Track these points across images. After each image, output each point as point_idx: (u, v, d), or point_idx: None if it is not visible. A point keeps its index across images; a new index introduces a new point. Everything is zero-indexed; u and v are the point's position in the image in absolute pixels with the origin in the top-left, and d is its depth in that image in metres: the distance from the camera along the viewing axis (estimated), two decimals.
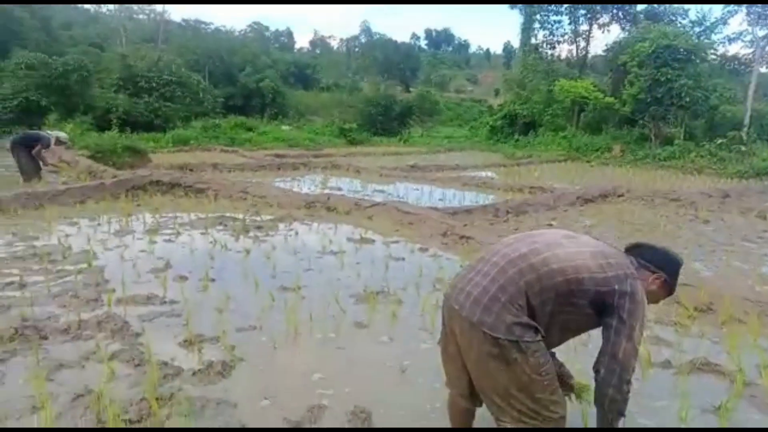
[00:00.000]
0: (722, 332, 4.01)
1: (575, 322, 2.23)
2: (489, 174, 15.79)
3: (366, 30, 79.33)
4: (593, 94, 22.59)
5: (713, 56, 23.43)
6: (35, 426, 2.75)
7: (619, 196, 11.13)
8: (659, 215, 9.41)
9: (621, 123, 23.07)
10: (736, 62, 24.91)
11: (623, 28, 26.24)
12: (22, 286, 4.74)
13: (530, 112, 26.04)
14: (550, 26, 27.57)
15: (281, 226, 7.42)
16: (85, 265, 5.32)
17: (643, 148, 20.52)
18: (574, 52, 28.16)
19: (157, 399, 2.94)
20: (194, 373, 3.30)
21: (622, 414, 2.13)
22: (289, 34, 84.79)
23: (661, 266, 2.31)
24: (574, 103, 23.58)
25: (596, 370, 2.15)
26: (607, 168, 18.55)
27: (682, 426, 2.87)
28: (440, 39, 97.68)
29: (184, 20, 55.80)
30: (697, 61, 20.50)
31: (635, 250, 2.38)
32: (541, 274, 2.13)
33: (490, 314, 2.10)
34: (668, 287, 2.35)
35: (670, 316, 4.29)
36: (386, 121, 29.97)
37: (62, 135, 11.76)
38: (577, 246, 2.25)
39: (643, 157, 19.56)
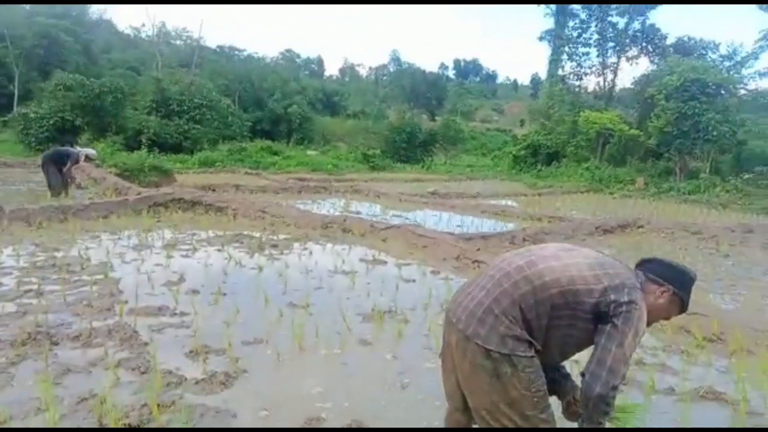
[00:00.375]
0: (731, 362, 3.93)
1: (574, 337, 2.17)
2: (509, 203, 15.73)
3: (395, 59, 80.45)
4: (618, 126, 22.47)
5: (743, 91, 23.19)
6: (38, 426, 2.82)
7: (638, 227, 10.99)
8: (679, 248, 9.26)
9: (646, 156, 22.86)
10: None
11: (652, 61, 26.17)
12: (40, 294, 4.88)
13: (554, 143, 25.97)
14: (577, 58, 27.63)
15: (296, 245, 7.51)
16: (101, 277, 5.46)
17: (667, 182, 20.26)
18: (602, 83, 28.13)
19: (158, 405, 3.00)
20: (197, 382, 3.35)
21: (607, 414, 2.09)
22: (320, 61, 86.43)
23: (668, 279, 2.25)
24: (598, 134, 23.46)
25: (582, 374, 2.12)
26: (629, 200, 18.32)
27: None
28: (468, 69, 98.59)
29: (218, 47, 57.34)
30: (726, 95, 20.30)
31: (644, 265, 2.34)
32: (535, 286, 2.11)
33: (483, 326, 2.10)
34: (678, 301, 2.27)
35: (678, 344, 4.22)
36: (410, 149, 30.16)
37: (91, 152, 12.14)
38: (573, 258, 2.22)
39: (667, 190, 19.29)
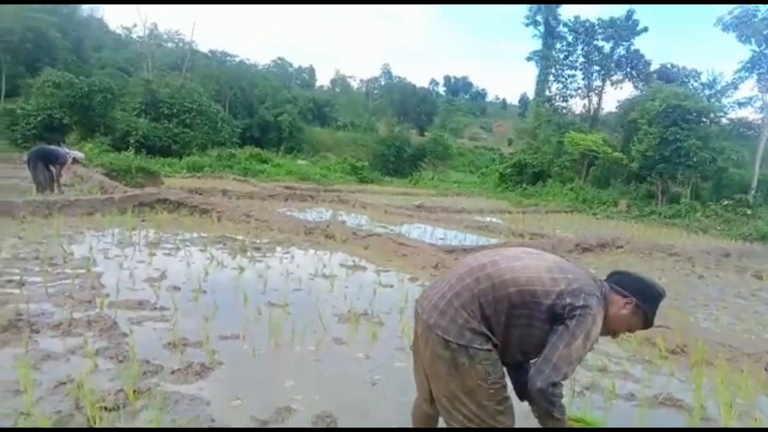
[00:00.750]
0: (691, 373, 4.08)
1: (533, 337, 2.25)
2: (493, 219, 15.91)
3: (386, 73, 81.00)
4: (602, 148, 22.90)
5: (723, 119, 23.81)
6: (18, 408, 2.89)
7: (617, 247, 11.19)
8: (655, 268, 9.45)
9: (629, 179, 23.32)
10: (746, 127, 25.21)
11: (636, 86, 26.80)
12: (21, 284, 4.93)
13: (540, 162, 26.39)
14: (564, 80, 28.24)
15: (278, 249, 7.61)
16: (83, 271, 5.52)
17: (649, 205, 20.66)
18: (587, 106, 28.71)
19: (134, 392, 3.08)
20: (173, 372, 3.44)
21: (549, 412, 2.17)
22: (312, 71, 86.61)
23: (633, 291, 2.32)
24: (583, 156, 23.89)
25: (529, 368, 2.24)
26: (611, 221, 18.60)
27: None
28: (458, 86, 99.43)
29: (210, 51, 57.36)
30: (707, 122, 20.83)
31: (613, 277, 2.43)
32: (495, 283, 2.22)
33: (444, 318, 2.22)
34: (642, 315, 2.32)
35: (643, 355, 4.39)
36: (398, 162, 30.44)
37: (79, 155, 12.14)
38: (535, 260, 2.33)
39: (649, 213, 19.65)
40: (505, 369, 2.35)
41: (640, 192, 22.20)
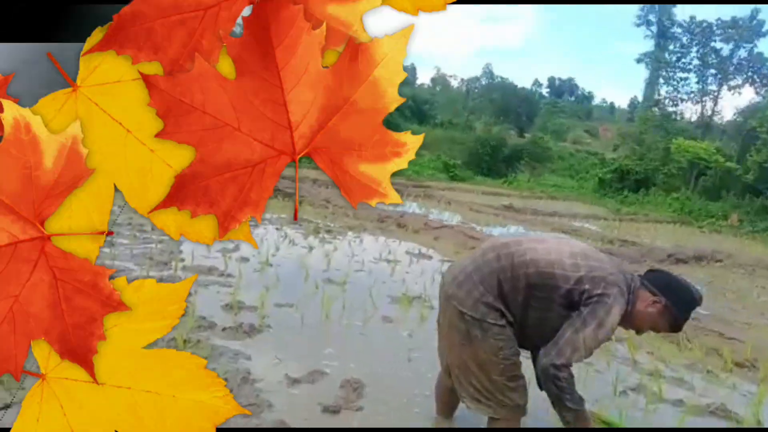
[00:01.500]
0: (758, 389, 3.76)
1: (552, 321, 2.20)
2: (586, 225, 15.24)
3: (488, 73, 79.74)
4: (713, 157, 21.29)
5: None
6: None
7: (717, 261, 10.41)
8: (756, 285, 8.71)
9: (744, 191, 21.49)
10: None
11: (758, 92, 24.71)
12: (111, 245, 5.45)
13: (644, 169, 24.95)
14: (675, 83, 26.53)
15: (350, 233, 7.86)
16: (166, 238, 5.98)
17: (764, 220, 18.95)
18: (700, 111, 26.82)
19: (184, 341, 3.36)
20: (224, 329, 3.71)
21: (563, 402, 2.13)
22: (413, 70, 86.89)
23: (664, 291, 2.21)
24: (692, 164, 22.33)
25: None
26: (718, 236, 17.23)
27: None
28: (563, 88, 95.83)
29: None
30: None
31: (647, 273, 2.35)
32: (515, 262, 2.22)
33: (461, 290, 2.26)
34: (669, 316, 2.22)
35: (705, 364, 4.10)
36: (493, 162, 29.90)
37: None
38: (560, 245, 2.29)
39: (763, 229, 18.03)
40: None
41: (755, 206, 20.39)
